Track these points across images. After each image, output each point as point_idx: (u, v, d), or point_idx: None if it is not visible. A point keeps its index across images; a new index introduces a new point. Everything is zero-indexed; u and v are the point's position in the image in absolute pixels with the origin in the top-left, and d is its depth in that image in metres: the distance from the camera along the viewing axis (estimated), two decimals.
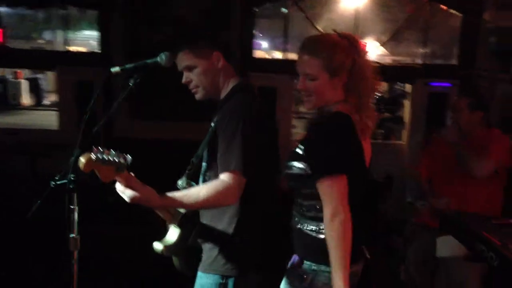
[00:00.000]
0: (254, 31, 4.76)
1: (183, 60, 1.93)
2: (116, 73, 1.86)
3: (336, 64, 1.75)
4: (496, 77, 4.23)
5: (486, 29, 4.51)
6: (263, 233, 1.97)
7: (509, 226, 2.16)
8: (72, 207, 1.77)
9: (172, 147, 4.22)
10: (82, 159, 1.60)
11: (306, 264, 1.79)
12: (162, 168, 4.26)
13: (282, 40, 4.85)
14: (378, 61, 4.57)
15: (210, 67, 1.94)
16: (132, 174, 1.75)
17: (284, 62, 4.85)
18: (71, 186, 1.76)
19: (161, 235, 2.01)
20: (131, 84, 1.86)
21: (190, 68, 1.94)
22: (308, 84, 1.79)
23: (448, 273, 2.97)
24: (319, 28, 4.74)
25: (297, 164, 1.76)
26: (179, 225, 1.96)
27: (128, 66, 1.86)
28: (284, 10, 4.81)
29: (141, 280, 3.46)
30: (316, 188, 1.70)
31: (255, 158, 1.81)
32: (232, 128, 1.80)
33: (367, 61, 1.81)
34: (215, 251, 1.94)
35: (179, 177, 2.01)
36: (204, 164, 2.03)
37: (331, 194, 1.67)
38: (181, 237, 1.94)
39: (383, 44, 4.84)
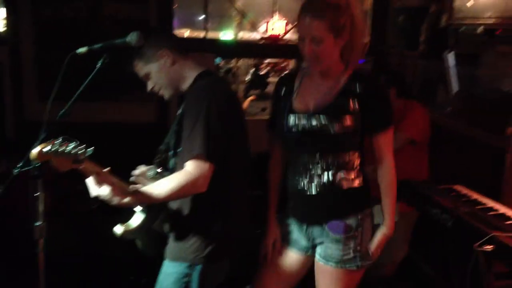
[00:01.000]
0: (172, 10, 4.62)
1: (137, 70, 1.96)
2: (82, 54, 1.76)
3: (340, 24, 1.78)
4: (406, 54, 4.55)
5: (394, 9, 4.81)
6: (233, 218, 1.97)
7: (453, 190, 2.39)
8: (36, 194, 1.69)
9: (86, 129, 4.03)
10: (33, 151, 1.58)
11: (352, 219, 1.97)
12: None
13: (202, 18, 4.77)
14: (294, 39, 4.70)
15: (161, 66, 1.93)
16: (97, 166, 1.73)
17: (205, 41, 4.79)
18: (35, 173, 1.66)
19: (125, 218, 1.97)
20: (99, 65, 1.77)
21: (147, 76, 1.95)
22: (315, 48, 1.80)
23: None
24: (238, 5, 4.74)
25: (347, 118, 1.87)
26: (146, 210, 1.91)
27: (95, 46, 1.77)
28: None
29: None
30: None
31: (221, 142, 1.81)
32: (194, 114, 1.79)
33: (361, 19, 1.88)
34: (183, 238, 1.93)
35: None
36: (170, 153, 1.99)
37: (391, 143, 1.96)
38: (145, 222, 1.91)
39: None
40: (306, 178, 1.93)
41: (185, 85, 1.97)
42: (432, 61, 4.10)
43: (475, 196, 2.33)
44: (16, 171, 1.70)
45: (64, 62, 1.76)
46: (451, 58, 3.68)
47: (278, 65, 8.11)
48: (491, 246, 1.81)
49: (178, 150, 1.92)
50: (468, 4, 3.57)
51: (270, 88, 7.11)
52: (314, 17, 1.77)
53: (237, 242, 2.01)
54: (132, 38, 1.77)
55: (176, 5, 4.49)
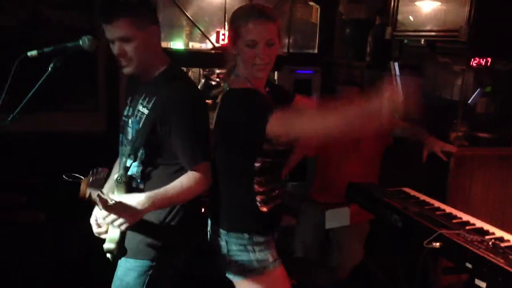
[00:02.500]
0: None
1: (121, 28, 1.78)
2: (33, 57, 1.71)
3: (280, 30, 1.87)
4: (354, 64, 4.70)
5: (341, 21, 4.97)
6: (192, 214, 2.01)
7: (403, 193, 2.47)
8: None
9: (35, 139, 3.92)
10: (83, 186, 1.87)
11: None
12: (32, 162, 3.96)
13: None
14: None
15: (147, 41, 1.84)
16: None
17: None
18: None
19: None
20: (50, 69, 1.73)
21: (126, 39, 1.80)
22: (269, 51, 1.83)
23: (335, 240, 3.29)
24: (188, 14, 4.74)
25: None
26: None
27: (46, 49, 1.73)
28: None
29: None
30: None
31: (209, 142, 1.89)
32: (187, 119, 1.82)
33: None
34: (145, 236, 1.92)
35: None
36: (130, 152, 1.92)
37: None
38: (122, 233, 1.89)
39: None
40: None
41: (154, 71, 1.91)
42: (378, 71, 4.26)
43: (423, 197, 2.43)
44: None
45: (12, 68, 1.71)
46: (396, 67, 3.83)
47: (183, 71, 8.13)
48: (439, 243, 1.89)
49: (141, 166, 1.90)
50: (411, 17, 3.73)
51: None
52: (268, 21, 1.80)
53: (192, 235, 2.04)
54: (84, 41, 1.74)
55: None
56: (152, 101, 1.86)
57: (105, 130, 4.24)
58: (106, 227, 1.89)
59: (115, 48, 1.83)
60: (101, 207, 1.67)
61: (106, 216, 1.73)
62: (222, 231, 1.93)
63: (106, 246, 1.86)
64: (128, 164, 1.89)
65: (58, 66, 1.74)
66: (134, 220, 1.74)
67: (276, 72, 5.31)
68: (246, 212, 1.91)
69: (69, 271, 3.26)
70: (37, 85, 1.71)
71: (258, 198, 1.89)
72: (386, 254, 3.31)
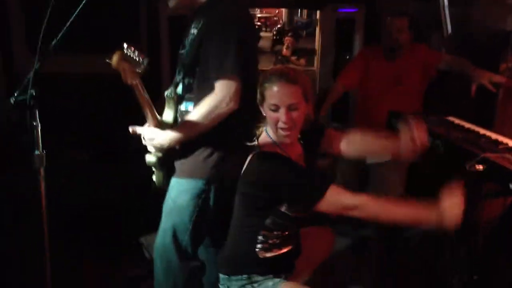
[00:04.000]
0: None
1: None
2: None
3: (308, 89, 1.80)
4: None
5: None
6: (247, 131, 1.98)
7: (446, 121, 2.42)
8: (34, 123, 1.70)
9: (75, 81, 4.02)
10: (114, 57, 1.74)
11: None
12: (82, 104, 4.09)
13: None
14: None
15: None
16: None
17: None
18: (31, 102, 1.67)
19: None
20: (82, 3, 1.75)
21: None
22: (293, 115, 1.76)
23: (375, 175, 3.28)
24: None
25: None
26: None
27: None
28: None
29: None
30: None
31: (247, 63, 1.87)
32: (225, 34, 1.82)
33: None
34: (200, 156, 1.95)
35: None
36: (181, 72, 2.00)
37: None
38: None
39: None
40: None
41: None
42: (424, 3, 4.07)
43: (468, 125, 2.36)
44: (12, 100, 1.70)
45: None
46: None
47: (270, 19, 8.05)
48: (482, 166, 1.85)
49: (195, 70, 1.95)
50: None
51: (262, 43, 7.08)
52: (290, 84, 1.74)
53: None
54: None
55: None
56: (201, 22, 1.91)
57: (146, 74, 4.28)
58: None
59: None
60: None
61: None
62: (223, 277, 1.91)
63: (148, 157, 1.99)
64: (178, 80, 1.98)
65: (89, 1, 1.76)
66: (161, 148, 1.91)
67: (318, 12, 5.20)
68: (246, 257, 1.87)
69: (107, 208, 3.41)
70: (74, 15, 1.72)
71: (259, 246, 1.84)
72: (428, 185, 3.27)
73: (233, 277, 1.86)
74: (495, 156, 1.87)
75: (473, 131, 2.28)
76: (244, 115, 1.93)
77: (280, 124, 1.76)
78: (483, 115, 2.87)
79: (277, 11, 6.40)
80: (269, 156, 1.78)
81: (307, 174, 1.79)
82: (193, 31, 1.94)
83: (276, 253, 1.86)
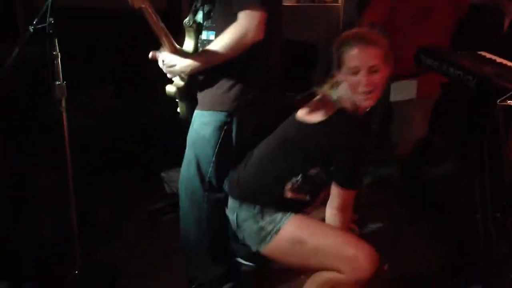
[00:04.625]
0: None
1: None
2: None
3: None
4: None
5: None
6: (269, 66, 1.98)
7: (478, 55, 2.33)
8: (54, 52, 1.68)
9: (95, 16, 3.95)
10: None
11: None
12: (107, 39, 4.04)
13: None
14: None
15: None
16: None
17: None
18: (51, 31, 1.65)
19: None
20: None
21: None
22: (373, 78, 1.74)
23: (399, 113, 3.23)
24: None
25: None
26: None
27: None
28: None
29: None
30: None
31: None
32: None
33: None
34: (221, 87, 1.92)
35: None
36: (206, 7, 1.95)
37: None
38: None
39: None
40: None
41: None
42: None
43: (500, 60, 2.26)
44: (31, 28, 1.67)
45: None
46: None
47: None
48: None
49: (206, 5, 1.93)
50: None
51: None
52: (370, 45, 1.73)
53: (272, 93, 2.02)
54: None
55: None
56: None
57: (165, 7, 4.20)
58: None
59: None
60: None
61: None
62: (233, 201, 1.90)
63: (168, 87, 1.98)
64: (197, 7, 1.94)
65: None
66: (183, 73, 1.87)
67: None
68: (268, 192, 1.85)
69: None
70: None
71: (289, 186, 1.82)
72: (454, 126, 3.21)
73: (245, 205, 1.86)
74: None
75: (506, 65, 2.18)
76: (267, 47, 1.88)
77: (361, 88, 1.74)
78: None
79: None
80: (353, 120, 1.77)
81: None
82: None
83: (301, 198, 1.86)
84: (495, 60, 2.24)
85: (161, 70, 1.96)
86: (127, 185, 3.13)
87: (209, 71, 1.92)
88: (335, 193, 1.81)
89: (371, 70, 1.73)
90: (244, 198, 1.88)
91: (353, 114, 1.79)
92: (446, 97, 3.07)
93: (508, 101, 1.80)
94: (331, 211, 1.83)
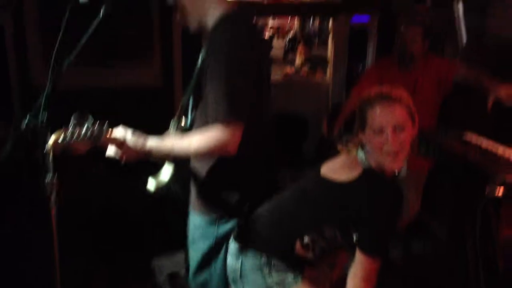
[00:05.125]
0: None
1: None
2: (84, 3, 1.72)
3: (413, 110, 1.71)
4: (414, 7, 4.45)
5: None
6: (257, 174, 1.92)
7: (462, 138, 2.38)
8: (45, 149, 1.69)
9: (87, 96, 4.01)
10: (49, 143, 1.62)
11: None
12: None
13: None
14: None
15: None
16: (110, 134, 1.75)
17: None
18: (44, 125, 1.68)
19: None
20: (100, 16, 1.74)
21: None
22: (399, 136, 1.66)
23: None
24: None
25: None
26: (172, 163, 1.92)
27: None
28: None
29: None
30: None
31: (248, 99, 1.66)
32: (219, 72, 1.61)
33: None
34: (212, 192, 1.90)
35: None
36: (189, 109, 1.94)
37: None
38: (174, 173, 1.92)
39: None
40: None
41: (209, 21, 1.77)
42: (440, 13, 4.01)
43: (486, 143, 2.31)
44: (25, 123, 1.68)
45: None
46: (460, 7, 3.58)
47: (282, 28, 8.03)
48: (502, 189, 1.80)
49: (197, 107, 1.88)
50: None
51: (274, 53, 7.06)
52: (393, 102, 1.66)
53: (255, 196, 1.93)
54: None
55: None
56: (204, 50, 1.81)
57: (161, 85, 4.27)
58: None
59: None
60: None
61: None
62: (235, 246, 1.83)
63: (148, 184, 1.92)
64: (186, 112, 1.94)
65: (110, 14, 1.74)
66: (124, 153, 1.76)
67: (331, 21, 5.16)
68: (278, 242, 1.79)
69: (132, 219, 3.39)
70: (89, 32, 1.71)
71: (300, 242, 1.76)
72: (445, 205, 3.22)
73: (251, 252, 1.77)
74: None
75: (492, 150, 2.23)
76: (257, 150, 1.84)
77: (386, 147, 1.65)
78: (501, 130, 2.81)
79: (289, 20, 6.36)
80: (383, 181, 1.67)
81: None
82: (199, 60, 1.86)
83: (308, 257, 1.76)
84: (481, 144, 2.29)
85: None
86: (117, 271, 3.05)
87: (204, 175, 1.88)
88: (358, 261, 1.66)
89: (396, 129, 1.64)
90: (253, 244, 1.79)
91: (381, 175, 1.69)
92: (436, 178, 3.11)
93: (496, 190, 1.83)
94: (353, 283, 1.67)
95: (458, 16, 3.59)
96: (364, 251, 1.65)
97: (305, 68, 5.85)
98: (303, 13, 5.43)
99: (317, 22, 7.00)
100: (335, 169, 1.77)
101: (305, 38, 6.71)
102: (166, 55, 4.33)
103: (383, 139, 1.65)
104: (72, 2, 1.68)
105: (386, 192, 1.65)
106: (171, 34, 4.31)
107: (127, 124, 1.90)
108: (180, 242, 2.27)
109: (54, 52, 1.68)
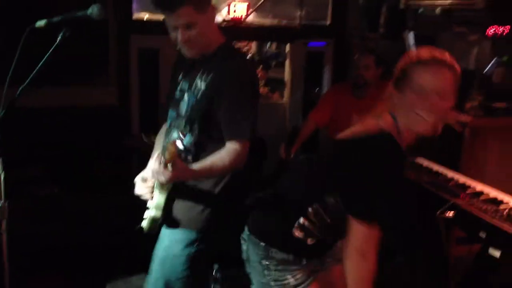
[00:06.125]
0: None
1: (185, 16, 1.78)
2: (41, 27, 1.70)
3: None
4: (367, 35, 4.62)
5: None
6: (239, 189, 1.99)
7: (416, 163, 2.46)
8: None
9: (45, 115, 3.93)
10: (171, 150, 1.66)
11: None
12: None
13: None
14: (257, 22, 4.70)
15: (209, 22, 1.86)
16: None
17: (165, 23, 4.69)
18: None
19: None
20: (58, 40, 1.72)
21: (190, 26, 1.81)
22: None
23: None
24: None
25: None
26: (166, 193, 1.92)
27: (54, 19, 1.71)
28: None
29: None
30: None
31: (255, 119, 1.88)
32: (241, 95, 1.83)
33: None
34: (196, 208, 1.94)
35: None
36: (184, 125, 1.95)
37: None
38: (168, 200, 1.92)
39: (260, 5, 4.96)
40: None
41: (211, 48, 1.90)
42: (392, 42, 4.18)
43: (436, 167, 2.40)
44: None
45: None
46: (411, 37, 3.75)
47: (240, 49, 8.10)
48: (453, 213, 1.88)
49: (195, 126, 1.90)
50: None
51: None
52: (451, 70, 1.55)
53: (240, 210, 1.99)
54: (93, 10, 1.72)
55: None
56: (210, 76, 1.87)
57: (117, 104, 4.24)
58: (150, 187, 1.94)
59: (179, 35, 1.83)
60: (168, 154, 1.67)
61: (157, 167, 1.72)
62: (245, 232, 1.84)
63: (152, 213, 1.90)
64: (181, 132, 1.93)
65: (67, 37, 1.72)
66: (174, 179, 1.75)
67: (288, 45, 5.27)
68: (277, 227, 1.76)
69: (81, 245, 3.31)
70: (46, 57, 1.68)
71: (296, 224, 1.70)
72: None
73: (252, 239, 1.77)
74: (465, 203, 1.90)
75: (442, 174, 2.32)
76: (245, 170, 1.92)
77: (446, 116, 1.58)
78: (450, 154, 2.93)
79: (247, 42, 6.43)
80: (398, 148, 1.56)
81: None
82: (200, 83, 1.89)
83: (308, 239, 1.71)
84: (432, 169, 2.39)
85: (112, 168, 1.95)
86: None
87: (186, 192, 1.93)
88: (349, 226, 1.56)
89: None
90: (254, 230, 1.80)
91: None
92: None
93: (447, 213, 1.90)
94: (346, 251, 1.59)
95: (409, 45, 3.75)
96: (350, 212, 1.55)
97: (264, 90, 5.93)
98: (261, 38, 5.51)
99: (274, 45, 7.11)
100: (350, 132, 1.68)
101: (262, 60, 6.80)
102: (122, 74, 4.30)
103: (445, 106, 1.54)
104: (30, 27, 1.66)
105: (397, 159, 1.56)
106: (128, 54, 4.30)
107: (84, 142, 1.87)
108: (135, 265, 2.22)
109: (8, 76, 1.65)
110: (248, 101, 1.85)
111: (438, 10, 3.66)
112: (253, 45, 7.05)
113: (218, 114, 1.85)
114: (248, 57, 2.12)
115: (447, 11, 3.54)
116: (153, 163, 1.84)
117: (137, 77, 4.41)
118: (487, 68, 3.33)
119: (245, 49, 7.04)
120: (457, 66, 1.58)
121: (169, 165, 1.69)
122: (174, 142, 1.70)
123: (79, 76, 4.09)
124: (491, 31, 3.19)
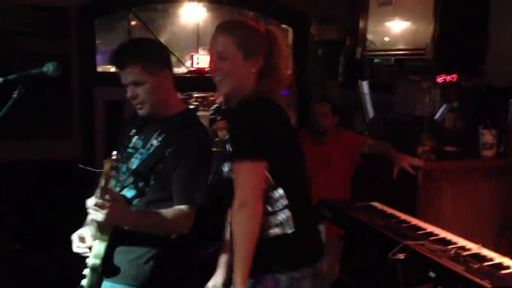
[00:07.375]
0: (95, 45, 4.61)
1: (132, 74, 1.88)
2: None
3: (253, 46, 1.73)
4: (326, 84, 4.79)
5: (314, 42, 5.07)
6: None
7: (371, 207, 2.53)
8: None
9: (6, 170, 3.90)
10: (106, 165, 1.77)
11: None
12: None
13: None
14: None
15: (159, 84, 1.92)
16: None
17: None
18: None
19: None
20: (14, 96, 1.76)
21: (137, 84, 1.89)
22: (220, 63, 1.73)
23: None
24: (162, 40, 4.80)
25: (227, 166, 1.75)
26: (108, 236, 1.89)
27: (10, 77, 1.76)
28: None
29: None
30: None
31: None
32: (195, 160, 1.88)
33: (283, 49, 1.82)
34: (136, 261, 1.93)
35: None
36: (132, 182, 1.98)
37: (244, 180, 1.62)
38: (108, 248, 1.89)
39: None
40: None
41: (169, 112, 1.99)
42: (349, 90, 4.35)
43: (390, 211, 2.48)
44: None
45: None
46: (365, 86, 3.91)
47: (207, 99, 8.21)
48: (404, 254, 1.93)
49: (143, 181, 1.94)
50: (380, 37, 3.84)
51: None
52: (222, 32, 1.75)
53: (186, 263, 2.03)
54: (49, 68, 1.78)
55: (99, 40, 4.49)
56: (168, 140, 1.93)
57: (81, 156, 4.23)
58: (88, 243, 1.91)
59: (128, 91, 1.92)
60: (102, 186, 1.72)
61: (96, 201, 1.72)
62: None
63: (91, 261, 1.85)
64: (126, 194, 1.94)
65: (23, 94, 1.77)
66: (113, 218, 1.73)
67: None
68: None
69: None
70: (1, 113, 1.72)
71: None
72: (360, 269, 3.35)
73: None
74: (414, 244, 1.96)
75: (394, 217, 2.40)
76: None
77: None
78: (407, 196, 3.03)
79: (212, 93, 6.53)
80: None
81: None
82: (153, 141, 1.96)
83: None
84: (385, 212, 2.46)
85: (77, 223, 1.95)
86: None
87: (128, 240, 1.92)
88: (235, 188, 1.67)
89: (219, 56, 1.76)
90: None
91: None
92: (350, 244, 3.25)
93: (398, 254, 1.96)
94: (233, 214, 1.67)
95: (363, 93, 3.91)
96: (235, 156, 1.67)
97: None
98: None
99: None
100: None
101: (224, 112, 6.90)
102: (86, 126, 4.33)
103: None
104: None
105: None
106: (91, 106, 4.35)
107: (47, 194, 1.87)
108: None
109: None
110: (203, 165, 1.90)
111: (392, 60, 3.84)
112: (219, 97, 7.20)
113: (169, 176, 1.89)
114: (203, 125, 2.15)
115: (401, 60, 3.72)
116: (90, 201, 1.78)
117: (103, 129, 4.45)
118: (438, 114, 3.49)
119: (210, 99, 7.15)
120: None
121: (107, 196, 1.71)
122: (111, 156, 1.73)
123: (41, 129, 4.10)
124: (440, 79, 3.37)
